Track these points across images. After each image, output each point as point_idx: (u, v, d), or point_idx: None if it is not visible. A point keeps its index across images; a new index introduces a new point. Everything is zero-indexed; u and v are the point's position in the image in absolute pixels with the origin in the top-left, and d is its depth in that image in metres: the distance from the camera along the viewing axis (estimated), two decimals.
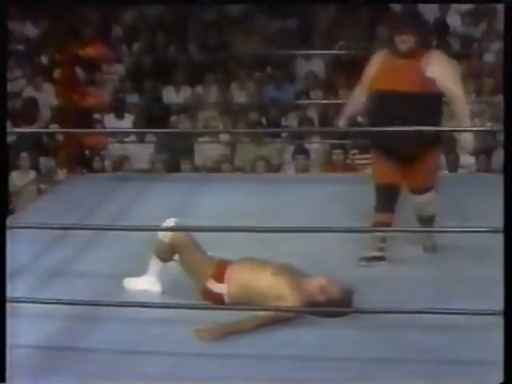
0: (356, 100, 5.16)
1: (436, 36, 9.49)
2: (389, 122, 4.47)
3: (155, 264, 4.49)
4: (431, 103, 4.79)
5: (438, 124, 4.83)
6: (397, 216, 5.01)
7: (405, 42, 4.77)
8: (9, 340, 3.40)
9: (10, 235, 4.70)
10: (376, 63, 5.00)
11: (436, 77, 4.74)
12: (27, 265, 4.94)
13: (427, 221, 5.09)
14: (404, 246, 5.03)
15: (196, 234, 4.44)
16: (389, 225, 4.90)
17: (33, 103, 9.39)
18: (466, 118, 4.81)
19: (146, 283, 4.51)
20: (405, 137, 4.61)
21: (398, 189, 4.98)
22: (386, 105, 4.75)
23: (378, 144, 4.98)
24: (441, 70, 4.77)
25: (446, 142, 6.92)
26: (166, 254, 4.42)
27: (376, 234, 5.01)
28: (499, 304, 3.31)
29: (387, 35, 9.50)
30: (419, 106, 4.68)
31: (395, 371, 3.62)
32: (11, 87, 9.46)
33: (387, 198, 4.97)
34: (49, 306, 4.03)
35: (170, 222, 4.37)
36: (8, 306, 3.36)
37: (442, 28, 9.69)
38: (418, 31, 4.87)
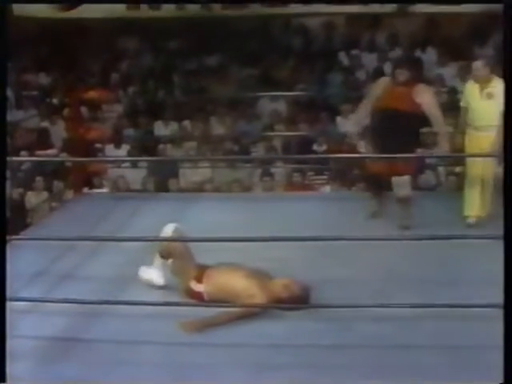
0: (362, 112, 5.84)
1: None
2: (390, 131, 5.37)
3: (158, 260, 4.46)
4: (417, 120, 5.52)
5: (419, 133, 5.67)
6: None
7: (402, 74, 5.51)
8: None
9: (25, 246, 4.63)
10: (380, 87, 5.69)
11: (422, 102, 5.46)
12: (43, 269, 4.86)
13: (403, 201, 5.68)
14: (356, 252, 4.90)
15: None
16: (382, 194, 5.86)
17: (45, 133, 9.30)
18: (443, 135, 5.56)
19: (154, 274, 4.46)
20: (393, 141, 5.16)
21: (384, 176, 5.62)
22: (388, 119, 5.47)
23: (376, 146, 5.62)
24: (426, 98, 5.50)
25: None
26: (165, 253, 4.37)
27: (372, 199, 5.96)
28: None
29: (339, 80, 9.63)
30: (409, 121, 5.42)
31: (348, 356, 3.59)
32: (28, 124, 9.37)
33: (377, 182, 5.78)
34: (59, 304, 3.94)
35: (171, 227, 4.38)
36: (8, 304, 3.23)
37: (380, 75, 9.67)
38: (412, 68, 5.69)
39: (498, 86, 5.59)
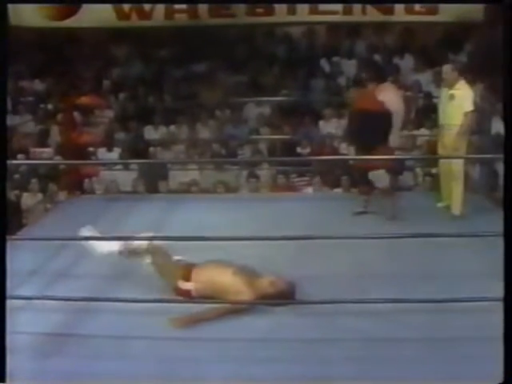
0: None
1: (356, 86, 9.54)
2: (359, 129, 5.70)
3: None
4: (383, 117, 5.61)
5: (387, 131, 5.66)
6: None
7: (364, 77, 5.94)
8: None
9: (21, 246, 4.59)
10: (355, 93, 6.26)
11: (384, 100, 5.61)
12: (37, 267, 4.83)
13: (384, 192, 5.86)
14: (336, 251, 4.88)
15: (170, 242, 4.34)
16: (368, 191, 6.01)
17: (45, 133, 9.29)
18: (396, 130, 5.69)
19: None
20: (368, 140, 5.53)
21: (366, 169, 5.83)
22: (357, 118, 5.78)
23: (352, 144, 6.11)
24: (387, 95, 5.65)
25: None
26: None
27: (362, 196, 6.11)
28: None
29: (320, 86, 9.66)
30: (375, 118, 5.55)
31: (330, 349, 3.59)
32: (24, 128, 9.32)
33: (362, 175, 5.95)
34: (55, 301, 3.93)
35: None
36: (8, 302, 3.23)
37: (359, 81, 9.71)
38: (373, 71, 5.97)
39: (461, 89, 5.84)
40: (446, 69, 6.00)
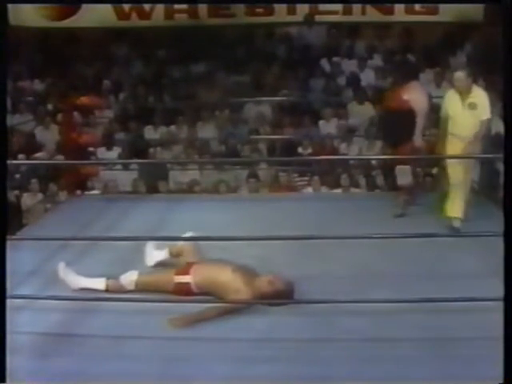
0: None
1: (352, 86, 9.54)
2: (387, 125, 6.02)
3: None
4: (408, 116, 5.68)
5: (412, 127, 5.69)
6: None
7: (392, 77, 6.34)
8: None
9: (22, 245, 4.59)
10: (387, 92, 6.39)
11: (409, 99, 5.69)
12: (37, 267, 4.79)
13: (403, 189, 5.95)
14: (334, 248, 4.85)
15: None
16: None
17: (32, 137, 9.27)
18: (419, 126, 5.71)
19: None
20: (394, 138, 5.77)
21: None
22: (383, 116, 6.29)
23: (382, 140, 6.35)
24: (413, 94, 5.71)
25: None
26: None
27: (401, 198, 6.00)
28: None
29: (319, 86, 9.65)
30: (401, 118, 5.68)
31: (329, 349, 3.59)
32: (23, 128, 9.31)
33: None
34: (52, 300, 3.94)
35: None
36: (8, 301, 3.24)
37: (355, 80, 9.73)
38: (401, 71, 6.17)
39: (479, 96, 5.49)
40: (459, 76, 5.51)
